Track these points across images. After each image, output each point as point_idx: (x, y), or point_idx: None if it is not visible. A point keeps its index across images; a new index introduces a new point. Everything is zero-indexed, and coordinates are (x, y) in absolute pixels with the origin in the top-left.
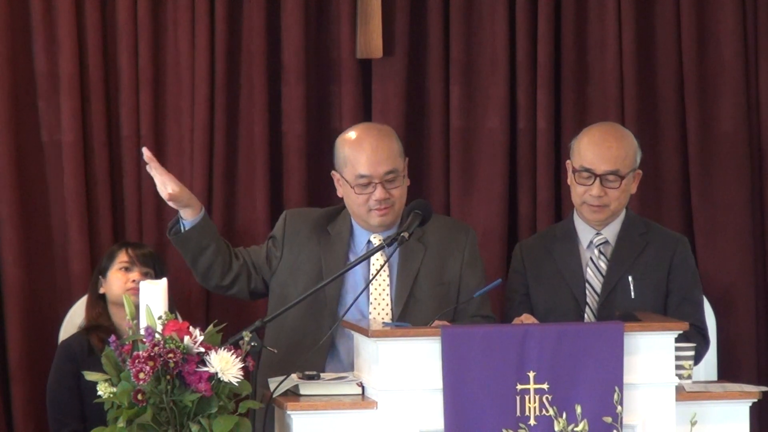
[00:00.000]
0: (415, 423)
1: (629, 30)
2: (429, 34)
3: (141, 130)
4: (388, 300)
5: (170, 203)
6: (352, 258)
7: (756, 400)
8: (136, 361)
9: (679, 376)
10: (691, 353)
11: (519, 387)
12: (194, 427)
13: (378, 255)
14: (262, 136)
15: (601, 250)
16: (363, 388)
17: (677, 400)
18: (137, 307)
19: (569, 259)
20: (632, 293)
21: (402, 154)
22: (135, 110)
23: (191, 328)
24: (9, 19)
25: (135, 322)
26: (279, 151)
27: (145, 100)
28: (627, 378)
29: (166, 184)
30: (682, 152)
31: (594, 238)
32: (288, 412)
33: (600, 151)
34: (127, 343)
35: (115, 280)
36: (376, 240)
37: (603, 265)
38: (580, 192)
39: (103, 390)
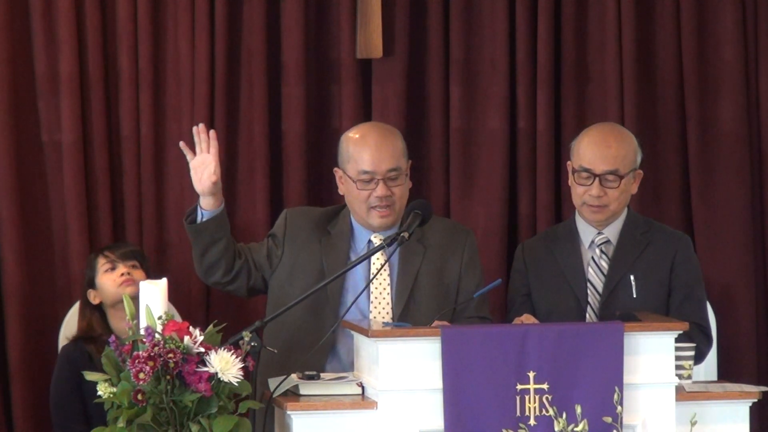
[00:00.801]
0: (415, 423)
1: (629, 30)
2: (429, 34)
3: (141, 130)
4: (388, 299)
5: (203, 185)
6: (353, 257)
7: (756, 400)
8: (136, 361)
9: (679, 376)
10: (691, 353)
11: (519, 387)
12: (194, 427)
13: (378, 255)
14: (262, 136)
15: (603, 249)
16: (363, 388)
17: (677, 400)
18: (135, 298)
19: (571, 259)
20: (634, 292)
21: (406, 154)
22: (135, 110)
23: (191, 328)
24: (9, 19)
25: (135, 322)
26: (279, 150)
27: (145, 100)
28: (627, 378)
29: (210, 166)
30: (682, 152)
31: (595, 237)
32: (288, 412)
33: (599, 151)
34: (127, 343)
35: (106, 282)
36: (376, 239)
37: (604, 265)
38: (580, 192)
39: (103, 390)
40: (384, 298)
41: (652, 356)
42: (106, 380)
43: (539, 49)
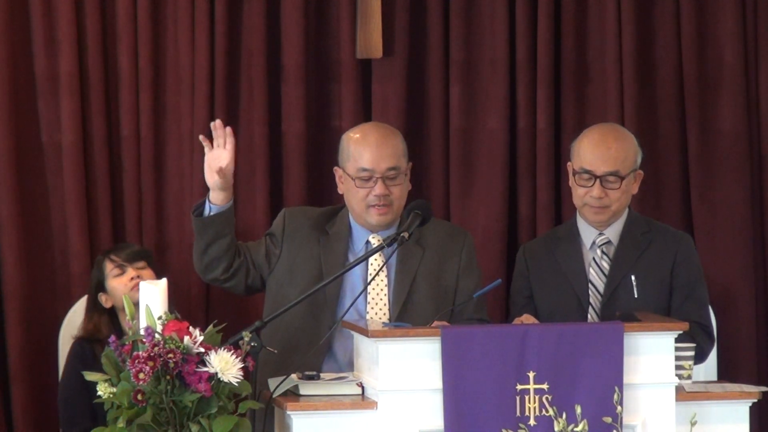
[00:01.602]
0: (415, 423)
1: (629, 30)
2: (429, 34)
3: (141, 130)
4: (385, 300)
5: (215, 179)
6: (351, 258)
7: (756, 400)
8: (136, 361)
9: (679, 376)
10: (691, 353)
11: (519, 387)
12: (194, 427)
13: (376, 255)
14: (262, 136)
15: (604, 250)
16: (363, 388)
17: (677, 400)
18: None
19: (572, 259)
20: (635, 293)
21: (406, 155)
22: (135, 110)
23: (191, 328)
24: (9, 19)
25: (135, 322)
26: (279, 150)
27: (145, 100)
28: (627, 378)
29: (223, 158)
30: (682, 152)
31: (597, 238)
32: (288, 413)
33: (599, 152)
34: (127, 343)
35: (117, 287)
36: (374, 240)
37: (606, 265)
38: (581, 194)
39: (103, 390)
40: (381, 299)
41: (652, 356)
42: (106, 380)
43: (539, 49)
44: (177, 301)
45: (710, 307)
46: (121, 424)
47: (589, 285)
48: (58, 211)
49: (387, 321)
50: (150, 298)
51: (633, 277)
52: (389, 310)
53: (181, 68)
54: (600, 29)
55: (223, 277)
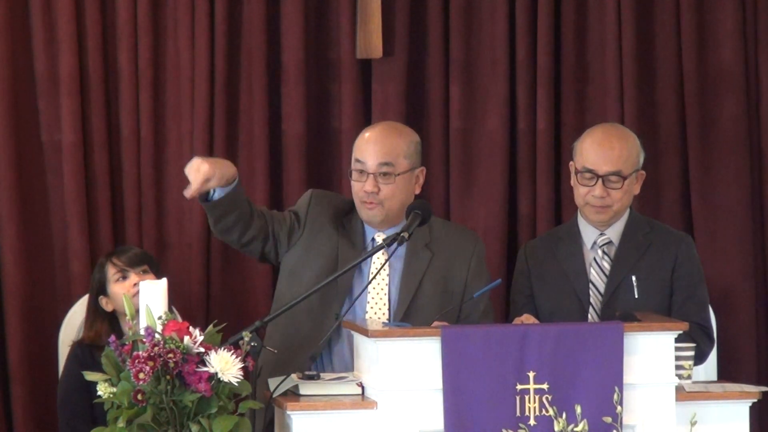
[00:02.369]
0: (415, 423)
1: (629, 30)
2: (429, 34)
3: (141, 130)
4: (385, 300)
5: (204, 187)
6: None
7: (756, 400)
8: (136, 361)
9: (679, 376)
10: (691, 353)
11: (519, 387)
12: (194, 427)
13: (380, 254)
14: (262, 136)
15: (605, 250)
16: (363, 388)
17: (677, 400)
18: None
19: (573, 260)
20: (636, 293)
21: (410, 157)
22: (135, 110)
23: (191, 328)
24: (9, 19)
25: (135, 322)
26: (279, 151)
27: (145, 100)
28: (627, 378)
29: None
30: (682, 152)
31: (598, 238)
32: (288, 412)
33: (602, 152)
34: (127, 343)
35: (119, 292)
36: (379, 239)
37: (606, 266)
38: (582, 193)
39: (103, 390)
40: (381, 299)
41: (652, 356)
42: (106, 380)
43: (539, 49)
44: (177, 301)
45: (710, 308)
46: (121, 424)
47: (590, 285)
48: (58, 211)
49: (390, 318)
50: (150, 298)
51: (634, 278)
52: (389, 310)
53: (181, 68)
54: (600, 29)
55: (239, 243)
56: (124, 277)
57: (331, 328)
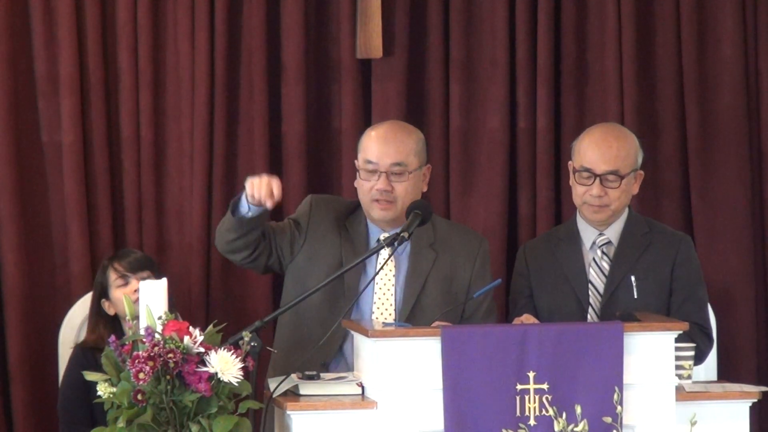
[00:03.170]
0: (415, 423)
1: (629, 30)
2: (429, 34)
3: (141, 130)
4: (392, 300)
5: (263, 203)
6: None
7: (756, 400)
8: (136, 361)
9: (679, 376)
10: (691, 353)
11: (519, 387)
12: (194, 427)
13: (386, 255)
14: (262, 136)
15: (604, 250)
16: (363, 388)
17: (677, 400)
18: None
19: (572, 260)
20: (635, 293)
21: (419, 154)
22: (135, 110)
23: (191, 328)
24: (9, 20)
25: (135, 322)
26: (279, 151)
27: (145, 100)
28: (627, 378)
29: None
30: (682, 152)
31: (597, 238)
32: (288, 412)
33: (600, 151)
34: (127, 343)
35: (120, 297)
36: (383, 237)
37: (605, 266)
38: (580, 192)
39: (103, 390)
40: (387, 299)
41: (651, 356)
42: (106, 380)
43: (539, 49)
44: (177, 301)
45: (710, 308)
46: (121, 424)
47: (589, 285)
48: (58, 211)
49: (396, 318)
50: (150, 298)
51: (633, 278)
52: (395, 311)
53: (181, 68)
54: (600, 29)
55: (244, 262)
56: (126, 283)
57: (331, 329)
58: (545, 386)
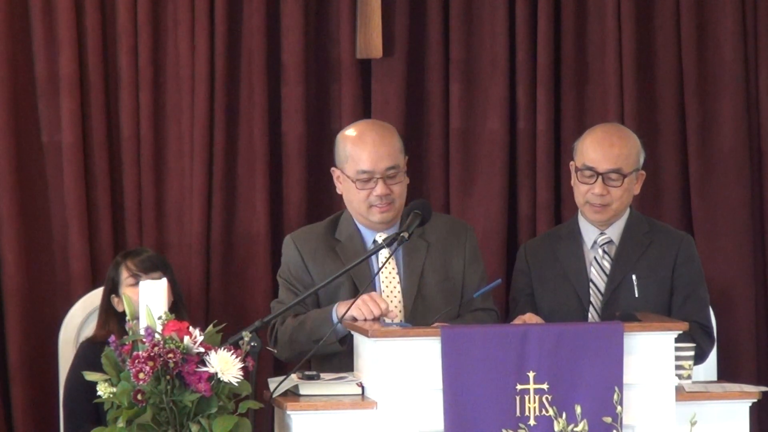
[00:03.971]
0: (415, 423)
1: (629, 30)
2: (429, 34)
3: (141, 130)
4: (400, 297)
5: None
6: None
7: (756, 400)
8: (136, 361)
9: (679, 376)
10: (691, 353)
11: (519, 387)
12: (194, 427)
13: (385, 254)
14: (262, 137)
15: (605, 249)
16: (363, 388)
17: (677, 400)
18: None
19: (573, 259)
20: (636, 292)
21: (402, 150)
22: (135, 111)
23: (191, 328)
24: (9, 20)
25: (135, 322)
26: (279, 151)
27: (145, 100)
28: (627, 378)
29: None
30: (682, 152)
31: (598, 237)
32: (288, 412)
33: (603, 150)
34: (127, 343)
35: (130, 296)
36: (380, 237)
37: (607, 265)
38: (582, 191)
39: (103, 390)
40: (396, 296)
41: (652, 356)
42: (106, 380)
43: (539, 49)
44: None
45: (711, 308)
46: (121, 424)
47: (590, 284)
48: (58, 211)
49: (402, 317)
50: (150, 298)
51: (634, 277)
52: (404, 306)
53: (181, 68)
54: (600, 29)
55: None
56: (136, 282)
57: (331, 329)
58: (545, 386)
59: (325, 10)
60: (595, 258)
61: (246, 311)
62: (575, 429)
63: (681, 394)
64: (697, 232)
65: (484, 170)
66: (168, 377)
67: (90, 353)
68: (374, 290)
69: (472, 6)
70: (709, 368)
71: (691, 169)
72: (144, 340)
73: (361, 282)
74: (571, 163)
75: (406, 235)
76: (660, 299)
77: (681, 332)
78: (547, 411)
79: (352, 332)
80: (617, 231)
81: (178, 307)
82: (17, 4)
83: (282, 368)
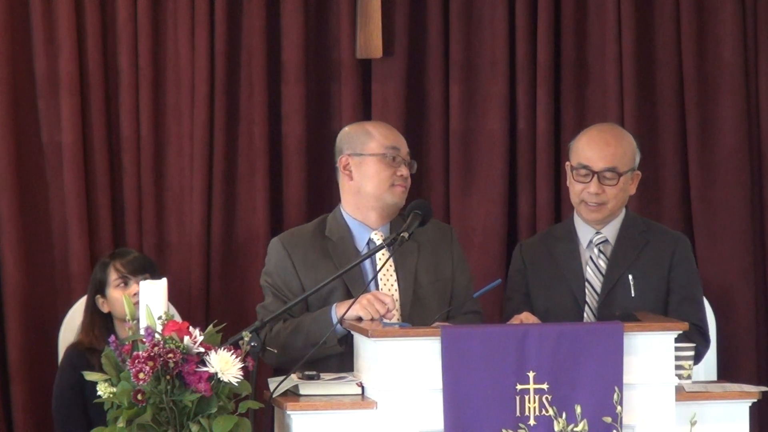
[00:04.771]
0: (415, 423)
1: (629, 30)
2: (429, 34)
3: (141, 130)
4: (397, 296)
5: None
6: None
7: (756, 400)
8: (136, 361)
9: (679, 376)
10: (691, 353)
11: (519, 387)
12: (194, 427)
13: (381, 254)
14: (262, 137)
15: (601, 249)
16: (363, 388)
17: (677, 400)
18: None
19: (569, 258)
20: (632, 292)
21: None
22: (135, 110)
23: (191, 328)
24: (9, 19)
25: (135, 322)
26: (279, 151)
27: (145, 100)
28: (627, 378)
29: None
30: (682, 152)
31: (593, 237)
32: (288, 412)
33: (598, 148)
34: (127, 343)
35: (118, 299)
36: (376, 236)
37: (603, 264)
38: (578, 190)
39: (103, 390)
40: (397, 299)
41: (651, 356)
42: (106, 380)
43: (539, 49)
44: (177, 301)
45: (710, 308)
46: (121, 424)
47: (586, 284)
48: (58, 211)
49: (398, 319)
50: (150, 298)
51: (630, 277)
52: (401, 307)
53: (181, 68)
54: (600, 29)
55: None
56: (125, 284)
57: (330, 330)
58: (545, 386)
59: (325, 10)
60: (590, 257)
61: (246, 311)
62: (575, 429)
63: (681, 394)
64: (697, 233)
65: (484, 170)
66: (168, 377)
67: (76, 359)
68: (368, 290)
69: (472, 6)
70: (709, 368)
71: (691, 170)
72: (144, 340)
73: (354, 283)
74: (567, 163)
75: (406, 235)
76: (656, 299)
77: (680, 332)
78: (547, 411)
79: (352, 332)
80: (613, 230)
81: None
82: (17, 4)
83: (282, 368)
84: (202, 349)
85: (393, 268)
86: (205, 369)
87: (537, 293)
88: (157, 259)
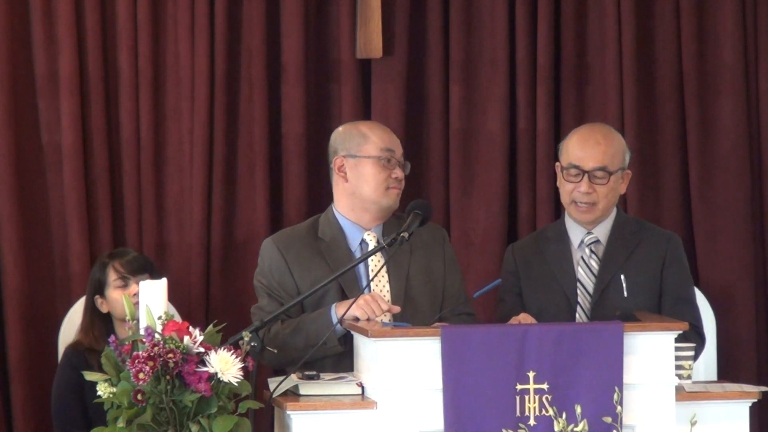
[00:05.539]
0: (415, 423)
1: (629, 30)
2: (429, 34)
3: (141, 130)
4: (389, 297)
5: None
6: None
7: (756, 400)
8: (136, 361)
9: (679, 376)
10: (691, 353)
11: (519, 387)
12: (194, 427)
13: (374, 256)
14: (262, 137)
15: (593, 249)
16: (363, 388)
17: (677, 400)
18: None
19: (561, 259)
20: (624, 292)
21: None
22: (135, 111)
23: (191, 328)
24: (9, 19)
25: (135, 322)
26: (279, 151)
27: (144, 100)
28: (627, 378)
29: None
30: (682, 152)
31: (585, 237)
32: (288, 412)
33: (588, 148)
34: (126, 343)
35: (117, 299)
36: (369, 237)
37: (594, 265)
38: (568, 189)
39: (103, 390)
40: (386, 298)
41: (651, 356)
42: (106, 380)
43: (539, 49)
44: (177, 301)
45: (710, 308)
46: (121, 424)
47: (578, 284)
48: (58, 211)
49: (390, 319)
50: (150, 298)
51: (623, 276)
52: None
53: (181, 68)
54: (600, 29)
55: None
56: (125, 285)
57: (330, 330)
58: (545, 386)
59: (325, 10)
60: (582, 257)
61: (246, 311)
62: (575, 429)
63: (681, 394)
64: (697, 232)
65: (484, 170)
66: (168, 377)
67: (75, 359)
68: (364, 292)
69: (472, 6)
70: (709, 368)
71: (691, 169)
72: (144, 340)
73: (348, 283)
74: (557, 164)
75: (406, 235)
76: (649, 299)
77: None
78: (547, 411)
79: (352, 332)
80: (604, 231)
81: None
82: (17, 4)
83: (281, 369)
84: (202, 349)
85: (385, 268)
86: (205, 369)
87: (529, 294)
88: (157, 259)
